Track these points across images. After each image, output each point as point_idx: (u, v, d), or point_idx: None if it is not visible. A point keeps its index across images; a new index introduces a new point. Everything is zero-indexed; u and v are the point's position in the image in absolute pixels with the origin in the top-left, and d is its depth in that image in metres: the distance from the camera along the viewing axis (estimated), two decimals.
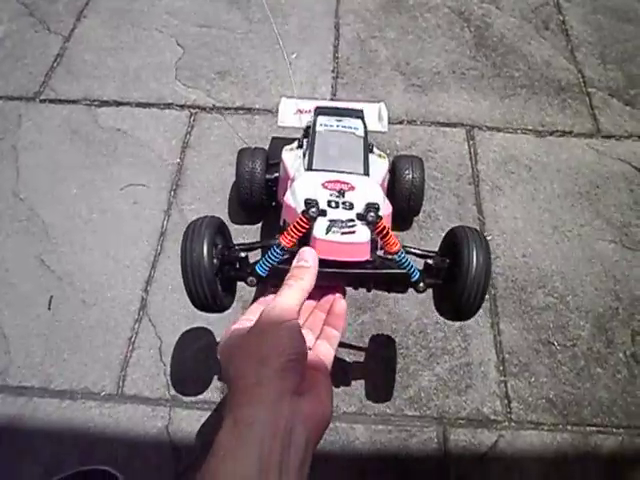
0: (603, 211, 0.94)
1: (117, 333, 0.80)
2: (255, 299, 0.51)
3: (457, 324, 0.81)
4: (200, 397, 0.75)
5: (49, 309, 0.82)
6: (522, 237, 0.90)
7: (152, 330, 0.80)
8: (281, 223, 0.62)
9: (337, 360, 0.77)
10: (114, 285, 0.84)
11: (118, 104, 1.06)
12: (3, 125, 1.02)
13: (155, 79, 1.10)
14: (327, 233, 0.50)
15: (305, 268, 0.46)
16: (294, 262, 0.47)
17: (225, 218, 0.90)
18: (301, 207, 0.52)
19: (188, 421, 0.73)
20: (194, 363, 0.77)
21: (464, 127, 1.03)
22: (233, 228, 0.83)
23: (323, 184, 0.56)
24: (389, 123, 0.92)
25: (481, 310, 0.82)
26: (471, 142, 1.01)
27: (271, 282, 0.52)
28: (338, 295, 0.50)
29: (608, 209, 0.94)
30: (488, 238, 0.89)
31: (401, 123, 1.03)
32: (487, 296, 0.84)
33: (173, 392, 0.75)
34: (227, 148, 0.99)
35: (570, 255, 0.89)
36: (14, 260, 0.87)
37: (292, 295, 0.43)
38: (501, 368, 0.79)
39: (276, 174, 0.80)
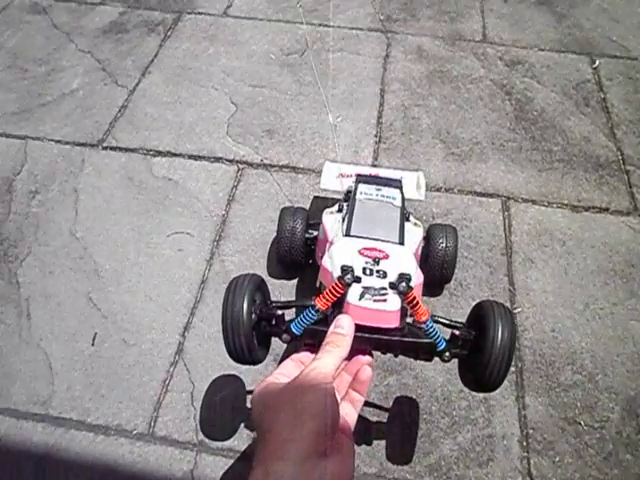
0: (638, 291, 0.94)
1: (153, 374, 0.84)
2: (285, 354, 0.55)
3: (482, 394, 0.82)
4: (226, 444, 0.77)
5: (92, 345, 0.87)
6: (552, 311, 0.91)
7: (186, 374, 0.83)
8: (317, 284, 0.66)
9: (360, 420, 0.79)
10: (154, 327, 0.88)
11: (172, 155, 1.14)
12: (68, 168, 1.11)
13: (208, 133, 1.18)
14: (360, 299, 0.54)
15: (342, 335, 0.50)
16: (331, 327, 0.51)
17: (263, 272, 0.94)
18: (337, 272, 0.55)
19: (212, 467, 0.75)
20: (223, 410, 0.80)
21: (500, 198, 1.06)
22: (270, 282, 0.87)
23: (360, 251, 0.59)
24: (427, 190, 0.95)
25: (507, 382, 0.83)
26: (506, 213, 1.04)
27: (303, 340, 0.55)
28: (365, 362, 0.53)
29: None
30: (517, 310, 0.91)
31: (439, 191, 1.07)
32: (513, 368, 0.85)
33: (201, 437, 0.78)
34: (270, 204, 1.04)
35: (601, 333, 0.89)
36: (65, 295, 0.93)
37: (330, 361, 0.47)
38: (524, 443, 0.78)
39: (315, 233, 0.85)
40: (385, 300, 0.54)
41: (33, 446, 0.77)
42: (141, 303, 0.91)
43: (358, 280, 0.55)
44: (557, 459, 0.77)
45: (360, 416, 0.79)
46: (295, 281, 0.93)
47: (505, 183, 1.09)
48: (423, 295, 0.90)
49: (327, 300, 0.54)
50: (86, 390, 0.83)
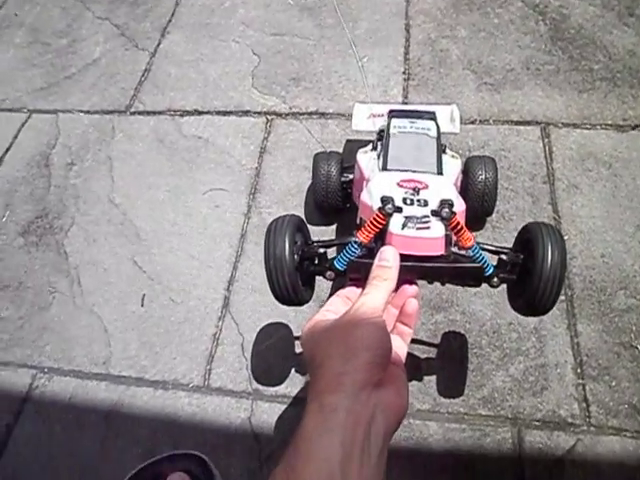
0: None
1: (203, 329, 0.86)
2: (332, 295, 0.55)
3: (532, 325, 0.81)
4: (280, 391, 0.79)
5: (142, 306, 0.90)
6: (601, 236, 0.88)
7: (235, 327, 0.85)
8: (357, 221, 0.65)
9: (411, 358, 0.80)
10: (199, 284, 0.90)
11: (199, 113, 1.13)
12: (100, 137, 1.12)
13: (233, 88, 1.16)
14: (403, 229, 0.52)
15: (387, 268, 0.49)
16: (376, 260, 0.50)
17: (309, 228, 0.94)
18: (377, 204, 0.54)
19: (269, 413, 0.77)
20: (274, 358, 0.82)
21: (539, 125, 1.01)
22: (310, 230, 0.86)
23: (398, 183, 0.58)
24: (461, 124, 0.92)
25: (557, 311, 0.82)
26: (546, 140, 0.99)
27: (348, 275, 0.54)
28: (410, 294, 0.52)
29: None
30: (564, 238, 0.88)
31: (473, 123, 1.03)
32: (563, 297, 0.83)
33: (255, 385, 0.80)
34: (302, 152, 1.03)
35: None
36: (111, 261, 0.95)
37: (378, 295, 0.46)
38: (579, 371, 0.77)
39: (351, 177, 0.83)
40: (428, 227, 0.52)
41: (99, 403, 0.81)
42: (184, 262, 0.93)
43: (399, 210, 0.53)
44: (613, 384, 0.76)
45: (410, 354, 0.80)
46: (334, 226, 0.92)
47: (543, 109, 1.03)
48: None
49: (369, 232, 0.53)
50: (141, 349, 0.86)
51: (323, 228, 0.92)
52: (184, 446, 0.75)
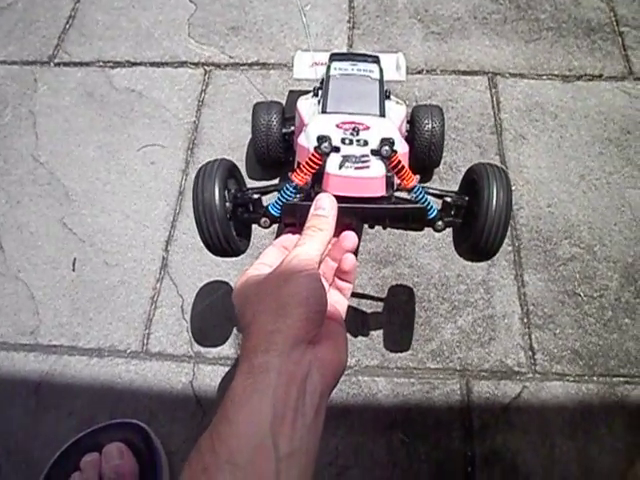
0: (634, 157, 0.90)
1: (140, 292, 0.81)
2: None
3: (480, 277, 0.80)
4: (222, 353, 0.76)
5: (73, 270, 0.83)
6: (547, 187, 0.87)
7: (174, 288, 0.81)
8: (295, 166, 0.61)
9: (358, 313, 0.78)
10: (135, 245, 0.85)
11: (132, 64, 1.05)
12: (20, 90, 1.02)
13: (168, 37, 1.08)
14: (340, 168, 0.49)
15: (324, 217, 0.46)
16: (311, 209, 0.47)
17: (243, 175, 0.89)
18: (314, 145, 0.51)
19: (212, 377, 0.74)
20: (214, 319, 0.78)
21: (486, 75, 0.99)
22: (251, 184, 0.82)
23: (337, 124, 0.54)
24: (408, 74, 0.89)
25: (505, 262, 0.81)
26: (493, 90, 0.97)
27: (284, 221, 0.51)
28: (348, 249, 0.49)
29: (639, 155, 0.90)
30: (512, 188, 0.87)
31: (420, 73, 1.00)
32: (510, 248, 0.82)
33: (197, 348, 0.76)
34: (243, 105, 0.97)
35: (598, 204, 0.86)
36: (37, 223, 0.88)
37: (312, 245, 0.43)
38: (525, 320, 0.77)
39: (292, 127, 0.79)
40: (368, 167, 0.50)
41: (28, 374, 0.76)
42: (118, 222, 0.87)
43: (337, 150, 0.50)
44: (558, 331, 0.77)
45: (357, 309, 0.78)
46: (277, 181, 0.88)
47: (490, 58, 1.01)
48: None
49: (305, 173, 0.50)
50: (73, 316, 0.80)
51: (265, 183, 0.88)
52: (123, 415, 0.71)
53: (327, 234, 0.45)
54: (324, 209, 0.46)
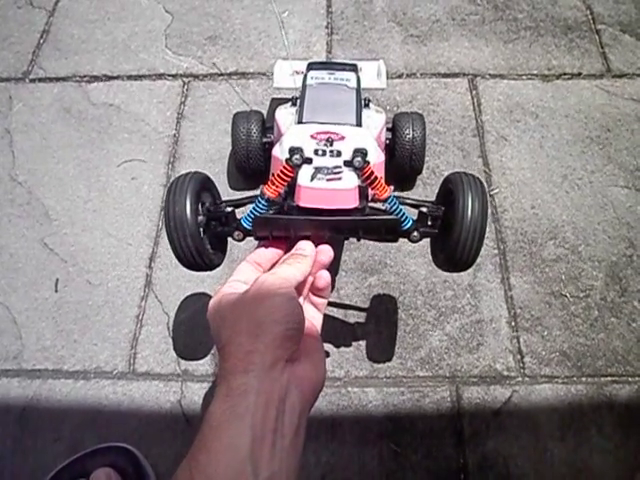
0: (615, 155, 0.90)
1: (125, 311, 0.80)
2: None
3: (466, 282, 0.80)
4: (210, 370, 0.75)
5: (56, 291, 0.82)
6: (530, 188, 0.87)
7: (159, 306, 0.80)
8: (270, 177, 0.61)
9: (345, 324, 0.77)
10: (118, 263, 0.83)
11: (109, 78, 1.04)
12: None
13: (145, 49, 1.07)
14: (312, 180, 0.49)
15: (303, 256, 0.46)
16: (292, 251, 0.47)
17: (224, 187, 0.88)
18: (285, 157, 0.50)
19: (200, 394, 0.73)
20: (202, 336, 0.77)
21: (466, 77, 0.99)
22: (232, 196, 0.82)
23: (312, 135, 0.53)
24: (388, 78, 0.88)
25: (491, 265, 0.81)
26: (474, 92, 0.97)
27: (257, 234, 0.51)
28: (321, 265, 0.48)
29: (620, 153, 0.90)
30: (495, 191, 0.87)
31: (400, 77, 0.99)
32: (496, 251, 0.82)
33: (184, 366, 0.75)
34: (223, 116, 0.96)
35: (581, 203, 0.86)
36: (17, 244, 0.86)
37: (290, 271, 0.43)
38: (513, 324, 0.77)
39: (273, 137, 0.78)
40: (340, 179, 0.49)
41: (12, 400, 0.74)
42: (100, 240, 0.86)
43: (309, 161, 0.50)
44: (545, 333, 0.77)
45: (343, 320, 0.78)
46: (258, 191, 0.87)
47: (470, 60, 1.01)
48: (395, 190, 0.86)
49: (276, 186, 0.50)
50: (57, 338, 0.79)
51: (247, 194, 0.87)
52: (111, 438, 0.70)
53: (306, 267, 0.45)
54: (305, 250, 0.46)
